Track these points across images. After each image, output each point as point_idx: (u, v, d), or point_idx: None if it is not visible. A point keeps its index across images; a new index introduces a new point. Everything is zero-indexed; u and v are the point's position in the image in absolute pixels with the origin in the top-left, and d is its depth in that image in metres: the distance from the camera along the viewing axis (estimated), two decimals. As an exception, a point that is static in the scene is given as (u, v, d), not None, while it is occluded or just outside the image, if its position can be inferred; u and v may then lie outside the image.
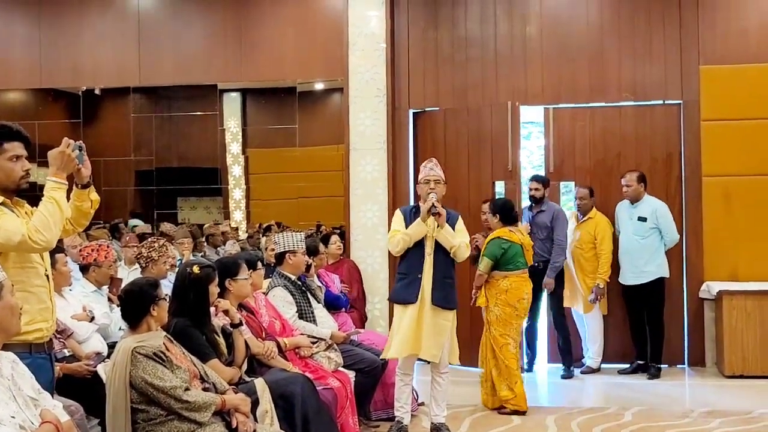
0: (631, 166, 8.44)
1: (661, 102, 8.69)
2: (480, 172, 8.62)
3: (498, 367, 6.92)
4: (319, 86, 9.67)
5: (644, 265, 8.11)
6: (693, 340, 8.51)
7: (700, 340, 8.47)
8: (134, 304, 4.16)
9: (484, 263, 6.98)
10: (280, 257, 6.41)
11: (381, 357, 6.15)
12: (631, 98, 8.69)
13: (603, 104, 8.79)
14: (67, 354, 5.08)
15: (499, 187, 8.65)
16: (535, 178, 8.45)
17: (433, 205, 5.84)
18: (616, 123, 8.75)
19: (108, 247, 6.09)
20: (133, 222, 9.67)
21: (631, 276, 8.19)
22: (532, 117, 9.66)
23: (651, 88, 8.66)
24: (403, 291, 6.00)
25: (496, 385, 6.92)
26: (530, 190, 8.38)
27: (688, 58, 8.54)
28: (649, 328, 8.19)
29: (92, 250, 5.97)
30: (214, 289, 4.76)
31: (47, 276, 3.86)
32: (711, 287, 8.20)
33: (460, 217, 6.14)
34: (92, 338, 5.30)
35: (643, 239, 8.12)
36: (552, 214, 8.20)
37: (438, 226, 5.90)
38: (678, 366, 8.51)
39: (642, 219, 8.13)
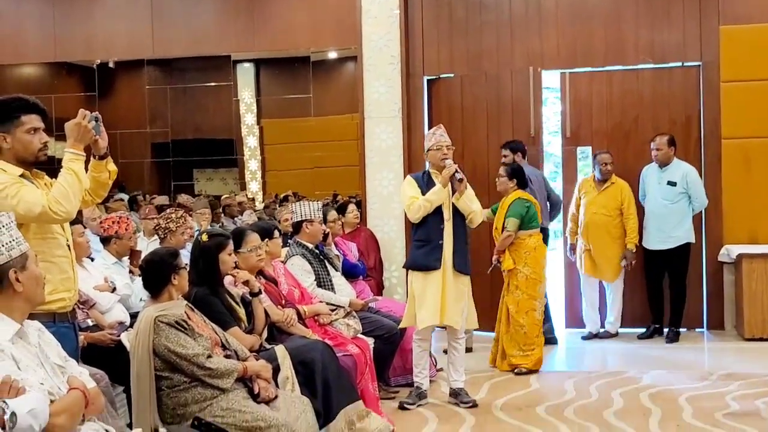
0: (649, 130, 8.38)
1: (679, 64, 8.58)
2: (499, 139, 8.58)
3: (510, 332, 6.98)
4: (332, 55, 9.65)
5: (672, 230, 8.02)
6: (712, 304, 8.48)
7: (719, 303, 8.43)
8: (155, 273, 4.19)
9: (512, 223, 6.99)
10: (298, 226, 6.43)
11: (401, 326, 6.16)
12: (650, 61, 8.59)
13: (620, 67, 8.70)
14: (91, 324, 5.13)
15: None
16: (504, 145, 8.22)
17: (457, 170, 5.84)
18: (634, 86, 8.67)
19: (128, 218, 6.12)
20: (119, 195, 9.63)
21: (658, 241, 8.09)
22: (548, 82, 9.60)
23: (669, 49, 8.55)
24: (424, 258, 5.96)
25: (507, 350, 6.98)
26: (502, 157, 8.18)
27: (708, 19, 8.41)
28: (671, 293, 8.16)
29: (113, 222, 5.99)
30: (226, 257, 4.74)
31: (68, 246, 3.90)
32: (730, 250, 8.15)
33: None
34: (114, 308, 5.34)
35: (672, 204, 8.03)
36: None
37: (455, 192, 5.89)
38: (697, 329, 8.49)
39: (672, 183, 8.02)
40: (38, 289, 3.04)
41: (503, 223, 7.07)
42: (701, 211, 8.38)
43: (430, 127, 8.74)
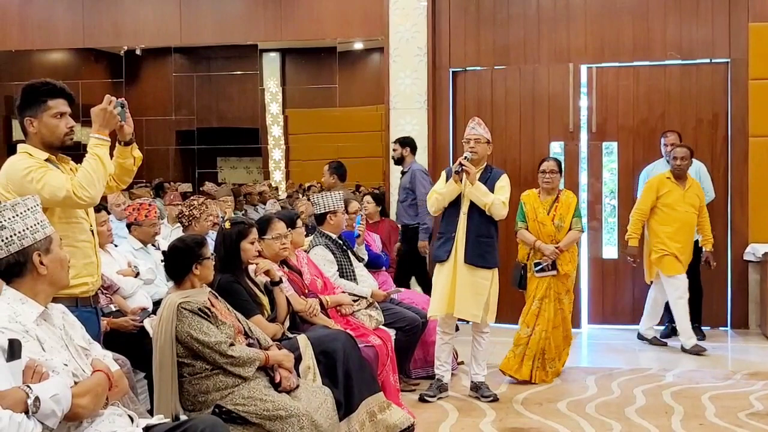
0: (675, 127, 8.31)
1: (707, 60, 8.51)
2: (534, 133, 8.60)
3: (558, 340, 6.60)
4: (358, 45, 9.62)
5: None
6: (736, 303, 8.42)
7: (743, 302, 8.38)
8: (177, 261, 4.19)
9: (581, 223, 6.70)
10: (321, 218, 6.41)
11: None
12: (677, 57, 8.52)
13: (648, 63, 8.64)
14: (114, 309, 5.15)
15: (554, 148, 8.66)
16: (395, 140, 8.30)
17: (459, 163, 5.83)
18: (661, 82, 8.61)
19: (150, 205, 6.11)
20: None
21: None
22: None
23: (697, 46, 8.49)
24: (438, 249, 6.07)
25: (551, 361, 6.58)
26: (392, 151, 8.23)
27: (737, 15, 8.34)
28: (691, 290, 8.03)
29: (133, 210, 6.02)
30: (247, 245, 4.75)
31: (92, 231, 3.91)
32: (756, 249, 8.08)
33: (504, 175, 6.07)
34: (138, 294, 5.35)
35: None
36: (411, 176, 8.02)
37: (466, 182, 5.89)
38: (721, 328, 8.43)
39: None
40: (62, 272, 3.05)
41: (570, 223, 6.61)
42: (727, 210, 8.36)
43: (455, 120, 8.76)
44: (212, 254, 4.31)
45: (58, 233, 3.10)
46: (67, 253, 3.15)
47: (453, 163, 6.29)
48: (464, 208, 5.94)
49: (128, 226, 6.07)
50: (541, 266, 6.56)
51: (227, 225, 4.79)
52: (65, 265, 3.07)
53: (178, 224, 6.81)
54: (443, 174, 6.13)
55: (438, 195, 5.95)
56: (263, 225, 5.21)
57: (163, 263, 4.31)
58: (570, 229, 6.60)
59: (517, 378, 6.46)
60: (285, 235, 5.35)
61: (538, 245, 6.57)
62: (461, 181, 5.87)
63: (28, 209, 2.97)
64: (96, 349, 3.13)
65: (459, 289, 5.91)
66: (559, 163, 6.87)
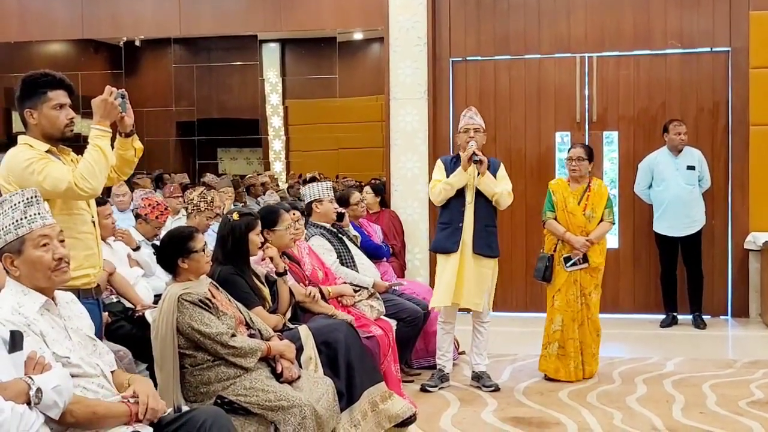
0: (676, 116, 8.30)
1: (708, 49, 8.48)
2: (539, 124, 8.63)
3: (592, 336, 6.34)
4: (358, 36, 9.60)
5: (695, 214, 8.01)
6: (737, 291, 8.42)
7: (744, 290, 8.38)
8: (164, 254, 4.20)
9: (613, 215, 6.36)
10: (309, 208, 6.45)
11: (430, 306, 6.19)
12: (678, 46, 8.50)
13: (648, 52, 8.62)
14: (114, 300, 5.15)
15: (559, 138, 8.70)
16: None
17: (474, 152, 5.81)
18: (662, 71, 8.59)
19: (165, 209, 6.09)
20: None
21: (682, 227, 7.99)
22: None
23: (698, 35, 8.46)
24: (444, 240, 6.00)
25: (592, 357, 6.35)
26: None
27: (737, 4, 8.31)
28: (691, 278, 8.10)
29: (149, 205, 5.99)
30: (254, 237, 4.76)
31: (93, 223, 3.91)
32: (757, 238, 8.07)
33: (502, 164, 6.09)
34: (138, 285, 5.35)
35: (694, 188, 8.01)
36: None
37: (479, 174, 5.86)
38: (721, 317, 8.44)
39: (691, 168, 8.00)
40: (37, 273, 2.94)
41: (602, 214, 6.26)
42: (728, 198, 8.40)
43: (455, 110, 8.74)
44: (203, 247, 4.22)
45: (45, 229, 2.97)
46: (69, 246, 3.06)
47: (452, 153, 6.26)
48: (469, 197, 5.93)
49: (136, 216, 6.06)
50: (572, 261, 6.20)
51: (236, 216, 4.77)
52: (41, 266, 2.95)
53: (179, 216, 6.82)
54: (440, 164, 6.07)
55: (446, 185, 5.88)
56: (272, 218, 5.23)
57: (155, 256, 4.32)
58: (601, 221, 6.26)
59: (561, 379, 6.17)
60: (297, 219, 5.64)
61: (568, 237, 6.20)
62: (478, 172, 5.86)
63: (12, 206, 2.92)
64: (99, 347, 3.12)
65: (466, 279, 5.91)
66: (588, 149, 6.48)
